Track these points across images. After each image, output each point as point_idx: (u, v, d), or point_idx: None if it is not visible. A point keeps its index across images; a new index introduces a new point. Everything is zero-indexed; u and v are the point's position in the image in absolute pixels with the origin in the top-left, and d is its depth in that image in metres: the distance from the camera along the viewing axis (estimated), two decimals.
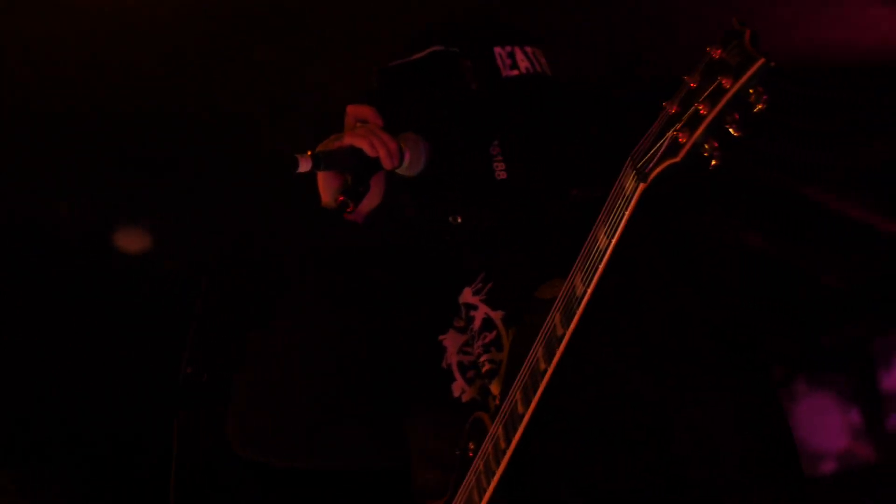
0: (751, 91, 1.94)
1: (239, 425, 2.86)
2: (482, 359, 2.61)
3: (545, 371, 2.26)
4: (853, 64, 4.76)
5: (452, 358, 2.68)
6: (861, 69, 4.76)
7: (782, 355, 5.55)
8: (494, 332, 2.61)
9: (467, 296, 2.70)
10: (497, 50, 2.70)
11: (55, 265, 5.22)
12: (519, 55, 2.71)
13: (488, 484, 2.38)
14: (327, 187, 2.64)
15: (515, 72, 2.69)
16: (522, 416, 2.31)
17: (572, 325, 2.23)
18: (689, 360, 2.41)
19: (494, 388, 2.55)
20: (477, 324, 2.65)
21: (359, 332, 2.81)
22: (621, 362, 2.44)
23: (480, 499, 2.40)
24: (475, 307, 2.67)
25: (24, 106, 4.88)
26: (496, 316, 2.62)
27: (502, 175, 2.67)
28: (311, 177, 2.64)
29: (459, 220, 2.70)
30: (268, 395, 2.81)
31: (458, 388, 2.65)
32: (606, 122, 2.73)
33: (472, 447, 2.49)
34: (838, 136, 4.96)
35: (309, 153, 2.56)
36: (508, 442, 2.34)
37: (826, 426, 5.63)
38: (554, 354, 2.26)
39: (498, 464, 2.36)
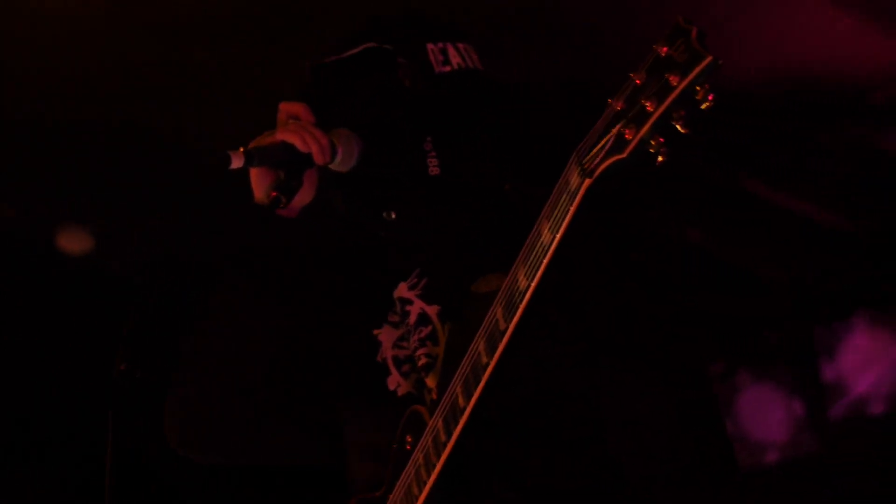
0: (698, 88, 1.94)
1: (175, 423, 2.84)
2: (418, 353, 2.62)
3: (487, 364, 2.27)
4: (809, 75, 4.78)
5: (388, 352, 2.69)
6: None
7: (724, 349, 5.58)
8: (430, 327, 2.62)
9: (402, 290, 2.70)
10: (430, 46, 2.71)
11: None
12: (451, 51, 2.72)
13: (428, 476, 2.39)
14: (260, 184, 2.64)
15: (448, 68, 2.70)
16: (463, 409, 2.32)
17: (515, 319, 2.23)
18: (630, 355, 2.43)
19: (430, 382, 2.56)
20: (412, 318, 2.66)
21: (292, 328, 2.80)
22: (562, 357, 2.45)
23: (420, 491, 2.40)
24: (410, 302, 2.68)
25: None
26: (432, 311, 2.63)
27: (435, 171, 2.68)
28: (243, 173, 2.65)
29: (393, 216, 2.70)
30: (203, 393, 2.79)
31: (394, 381, 2.65)
32: (539, 118, 2.75)
33: (409, 440, 2.50)
34: (780, 130, 4.99)
35: (241, 149, 2.56)
36: (449, 435, 2.35)
37: (769, 418, 5.66)
38: (496, 348, 2.26)
39: (438, 456, 2.37)
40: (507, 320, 2.25)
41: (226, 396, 2.79)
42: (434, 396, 2.53)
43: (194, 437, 2.85)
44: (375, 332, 2.74)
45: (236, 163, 2.54)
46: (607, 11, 4.48)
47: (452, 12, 2.95)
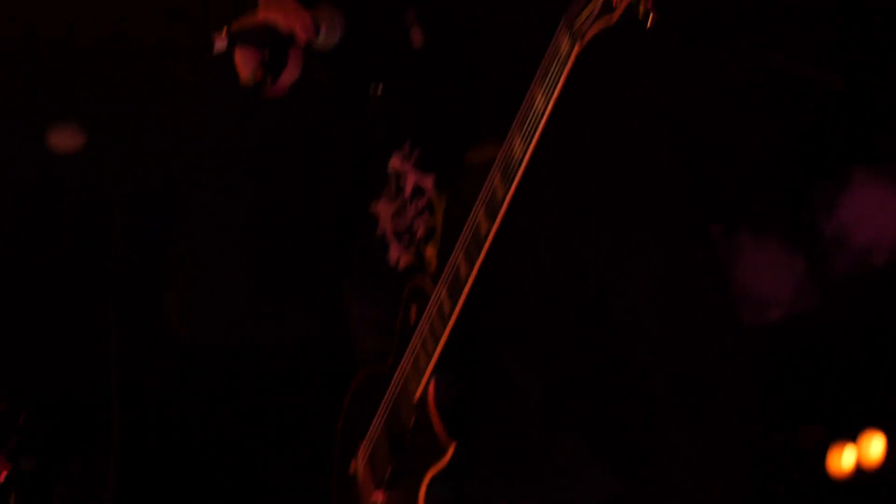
0: None
1: (177, 306, 2.87)
2: (415, 224, 2.62)
3: (487, 232, 2.27)
4: None
5: (386, 225, 2.68)
6: None
7: (723, 209, 5.57)
8: (426, 198, 2.61)
9: (396, 163, 2.69)
10: None
11: None
12: None
13: (434, 348, 2.39)
14: (245, 64, 2.63)
15: None
16: (466, 278, 2.31)
17: (513, 187, 2.22)
18: (629, 215, 2.43)
19: (429, 253, 2.56)
20: (408, 190, 2.65)
21: (290, 207, 2.80)
22: (561, 221, 2.45)
23: (427, 362, 2.41)
24: (404, 174, 2.67)
25: None
26: (427, 181, 2.62)
27: (419, 43, 2.66)
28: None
29: (380, 90, 2.70)
30: (204, 275, 2.81)
31: (394, 255, 2.65)
32: None
33: (413, 313, 2.50)
34: None
35: (224, 31, 2.54)
36: (453, 304, 2.34)
37: (771, 275, 5.66)
38: (496, 216, 2.26)
39: (444, 327, 2.37)
40: (506, 188, 2.24)
41: (227, 276, 2.82)
42: (434, 267, 2.53)
43: (197, 321, 2.87)
44: (372, 207, 2.73)
45: (219, 45, 2.54)
46: None
47: None
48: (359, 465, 2.64)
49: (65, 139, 4.73)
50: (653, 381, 2.42)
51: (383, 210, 2.70)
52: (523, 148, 2.19)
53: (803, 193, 5.80)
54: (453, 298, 2.35)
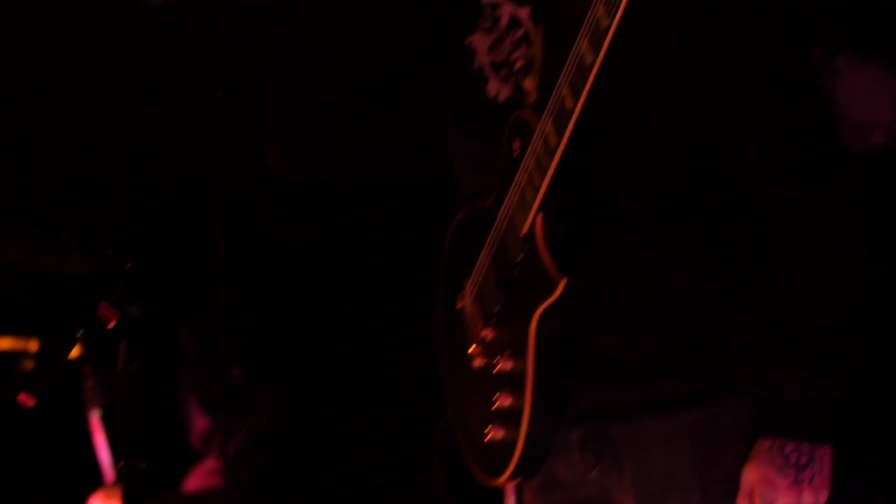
0: None
1: (274, 141, 2.86)
2: (513, 56, 2.56)
3: (593, 63, 2.21)
4: None
5: (483, 59, 2.64)
6: None
7: (821, 33, 5.45)
8: (522, 29, 2.55)
9: None
10: None
11: None
12: None
13: (541, 181, 2.35)
14: None
15: None
16: (572, 110, 2.27)
17: (618, 16, 2.16)
18: (735, 44, 2.37)
19: (529, 85, 2.51)
20: (504, 22, 2.59)
21: (384, 42, 2.76)
22: (664, 49, 2.38)
23: (534, 196, 2.38)
24: (499, 6, 2.60)
25: None
26: (522, 12, 2.56)
27: None
28: None
29: None
30: (302, 106, 2.79)
31: (493, 88, 2.61)
32: None
33: (517, 146, 2.46)
34: None
35: None
36: (560, 137, 2.30)
37: (872, 99, 5.54)
38: (600, 46, 2.20)
39: (550, 160, 2.33)
40: (610, 17, 2.17)
41: (325, 109, 2.77)
42: (534, 98, 2.48)
43: (295, 154, 2.86)
44: (468, 39, 2.67)
45: None
46: None
47: None
48: (466, 302, 2.64)
49: None
50: (761, 209, 2.38)
51: (479, 43, 2.65)
52: None
53: None
54: (559, 131, 2.31)
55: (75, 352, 3.13)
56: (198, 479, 4.48)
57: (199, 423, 4.53)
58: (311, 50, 2.77)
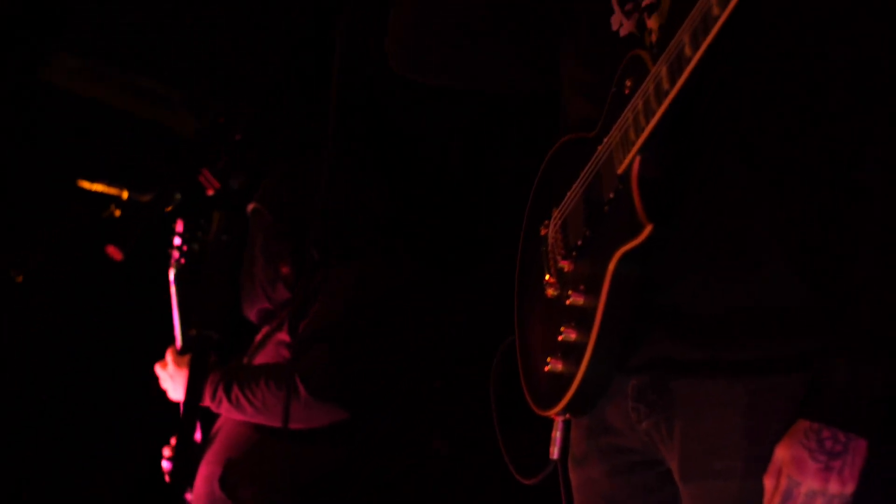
0: None
1: (397, 34, 2.87)
2: None
3: (718, 17, 2.15)
4: None
5: None
6: None
7: None
8: None
9: None
10: None
11: None
12: None
13: (647, 123, 2.32)
14: None
15: None
16: (690, 59, 2.21)
17: None
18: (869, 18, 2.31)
19: (652, 24, 2.46)
20: None
21: None
22: (795, 11, 2.33)
23: (637, 137, 2.34)
24: None
25: None
26: None
27: None
28: None
29: None
30: (424, 7, 2.81)
31: (616, 21, 2.57)
32: None
33: (629, 84, 2.42)
34: None
35: None
36: (672, 83, 2.25)
37: None
38: (729, 1, 2.13)
39: (659, 104, 2.29)
40: None
41: (449, 9, 2.79)
42: (654, 38, 2.44)
43: (416, 51, 2.87)
44: None
45: None
46: None
47: None
48: (550, 229, 2.64)
49: None
50: (862, 194, 2.33)
51: None
52: None
53: None
54: (673, 77, 2.27)
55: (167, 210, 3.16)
56: (262, 357, 4.51)
57: (264, 299, 4.54)
58: None
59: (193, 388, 3.57)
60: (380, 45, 2.90)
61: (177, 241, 4.20)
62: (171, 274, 4.34)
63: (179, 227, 4.05)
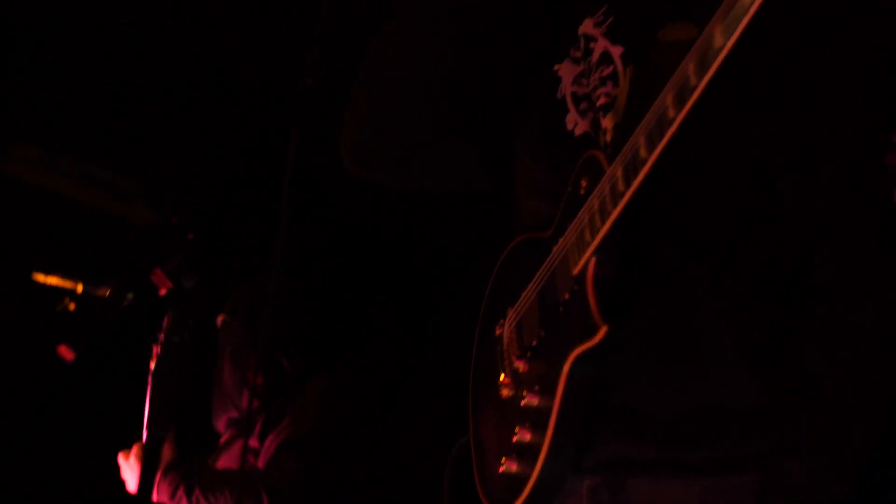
0: None
1: (350, 139, 2.87)
2: (598, 92, 2.54)
3: (673, 119, 2.18)
4: None
5: (567, 88, 2.62)
6: None
7: None
8: (612, 67, 2.53)
9: (588, 26, 2.61)
10: None
11: None
12: None
13: (602, 225, 2.33)
14: None
15: None
16: (645, 160, 2.24)
17: (707, 77, 2.12)
18: (808, 120, 2.34)
19: (607, 123, 2.49)
20: (595, 56, 2.57)
21: (475, 53, 2.76)
22: (748, 115, 2.35)
23: (593, 238, 2.36)
24: (594, 39, 2.59)
25: None
26: (615, 51, 2.54)
27: None
28: None
29: None
30: (380, 110, 2.80)
31: (572, 120, 2.59)
32: None
33: (584, 185, 2.44)
34: None
35: None
36: (627, 184, 2.28)
37: None
38: (685, 103, 2.16)
39: (614, 205, 2.31)
40: (699, 76, 2.13)
41: (403, 114, 2.79)
42: (609, 138, 2.46)
43: (369, 155, 2.87)
44: (556, 66, 2.66)
45: None
46: None
47: None
48: (505, 329, 2.63)
49: None
50: (815, 280, 2.35)
51: (566, 72, 2.64)
52: (724, 39, 2.08)
53: None
54: (628, 179, 2.28)
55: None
56: (226, 460, 4.50)
57: (232, 407, 4.54)
58: (406, 46, 2.77)
59: (143, 485, 3.55)
60: (335, 147, 2.91)
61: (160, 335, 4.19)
62: (152, 366, 4.35)
63: (165, 321, 4.05)
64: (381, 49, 2.80)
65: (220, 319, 4.44)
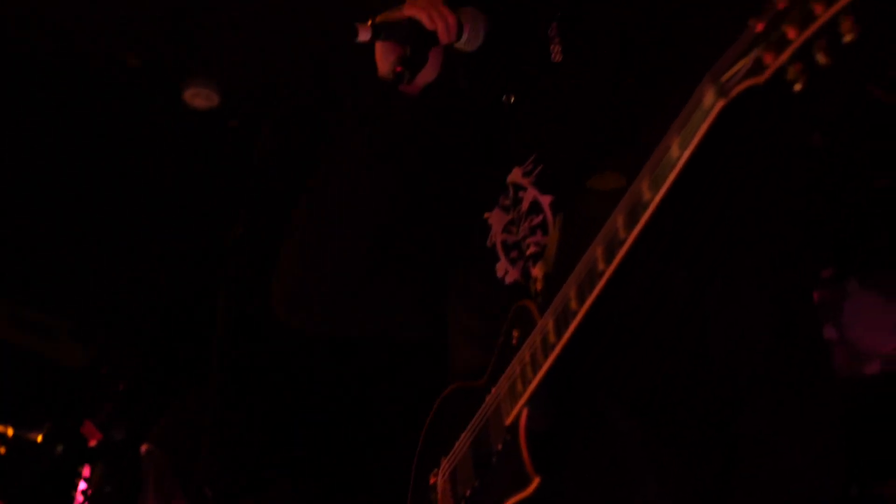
0: (841, 20, 1.84)
1: (282, 289, 2.86)
2: (527, 241, 2.59)
3: (603, 272, 2.21)
4: None
5: (497, 237, 2.66)
6: None
7: (835, 254, 5.49)
8: (541, 216, 2.58)
9: (517, 176, 2.67)
10: None
11: (124, 114, 5.26)
12: None
13: (533, 376, 2.36)
14: (385, 58, 2.67)
15: None
16: (576, 312, 2.27)
17: (636, 231, 2.17)
18: (739, 263, 2.40)
19: (537, 272, 2.52)
20: (524, 205, 2.62)
21: (406, 201, 2.78)
22: (673, 264, 2.40)
23: (524, 389, 2.37)
24: (524, 188, 2.64)
25: None
26: (544, 200, 2.59)
27: (558, 57, 2.65)
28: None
29: (513, 100, 2.69)
30: (311, 260, 2.80)
31: (502, 268, 2.63)
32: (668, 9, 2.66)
33: (516, 335, 2.47)
34: None
35: (369, 22, 2.58)
36: (559, 336, 2.30)
37: (875, 327, 5.56)
38: (614, 256, 2.20)
39: (545, 357, 2.33)
40: (628, 230, 2.18)
41: (334, 264, 2.79)
42: (539, 287, 2.50)
43: (300, 305, 2.86)
44: (486, 214, 2.71)
45: (363, 35, 2.58)
46: None
47: None
48: (439, 478, 2.63)
49: (200, 97, 4.80)
50: (743, 430, 2.38)
51: (496, 220, 2.68)
52: (651, 194, 2.14)
53: None
54: (559, 331, 2.31)
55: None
56: None
57: None
58: (339, 196, 2.78)
59: None
60: (266, 295, 2.91)
61: (82, 485, 4.14)
62: None
63: (86, 471, 4.00)
64: (313, 198, 2.81)
65: (143, 448, 4.42)
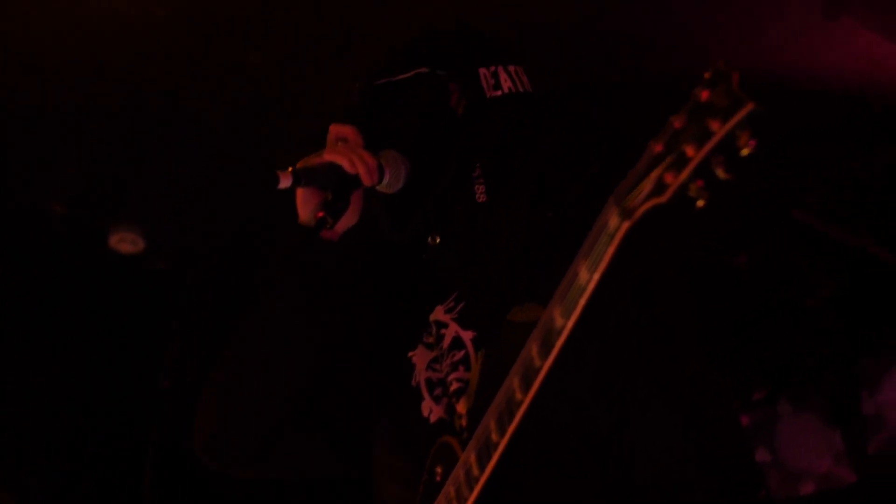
0: (738, 134, 1.89)
1: (202, 434, 2.78)
2: (450, 377, 2.60)
3: (521, 401, 2.23)
4: (842, 90, 4.78)
5: (421, 375, 2.67)
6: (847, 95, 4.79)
7: (767, 377, 5.53)
8: (463, 352, 2.60)
9: (439, 314, 2.69)
10: (482, 71, 2.71)
11: (48, 262, 5.24)
12: (502, 75, 2.72)
13: None
14: (306, 204, 2.65)
15: (499, 92, 2.70)
16: (497, 444, 2.29)
17: (550, 359, 2.19)
18: (663, 390, 2.42)
19: (461, 408, 2.54)
20: (447, 342, 2.64)
21: (329, 343, 2.75)
22: (595, 391, 2.42)
23: None
24: (446, 325, 2.66)
25: (22, 104, 4.94)
26: (466, 336, 2.61)
27: (482, 198, 2.67)
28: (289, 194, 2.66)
29: (438, 241, 2.70)
30: (231, 402, 2.73)
31: (427, 407, 2.63)
32: (588, 141, 2.72)
33: (440, 471, 2.48)
34: (823, 159, 4.95)
35: (290, 169, 2.57)
36: (482, 469, 2.32)
37: (808, 447, 5.60)
38: (531, 385, 2.22)
39: (471, 490, 2.34)
40: (542, 358, 2.20)
41: (255, 406, 2.73)
42: (464, 423, 2.51)
43: (219, 448, 2.78)
44: (410, 353, 2.72)
45: (284, 182, 2.57)
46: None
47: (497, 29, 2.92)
48: None
49: (126, 242, 4.81)
50: None
51: (420, 358, 2.69)
52: (563, 320, 2.16)
53: (850, 367, 5.75)
54: (482, 464, 2.32)
55: None
56: None
57: None
58: (261, 342, 2.74)
59: None
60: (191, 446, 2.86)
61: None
62: None
63: None
64: (236, 344, 2.77)
65: None
